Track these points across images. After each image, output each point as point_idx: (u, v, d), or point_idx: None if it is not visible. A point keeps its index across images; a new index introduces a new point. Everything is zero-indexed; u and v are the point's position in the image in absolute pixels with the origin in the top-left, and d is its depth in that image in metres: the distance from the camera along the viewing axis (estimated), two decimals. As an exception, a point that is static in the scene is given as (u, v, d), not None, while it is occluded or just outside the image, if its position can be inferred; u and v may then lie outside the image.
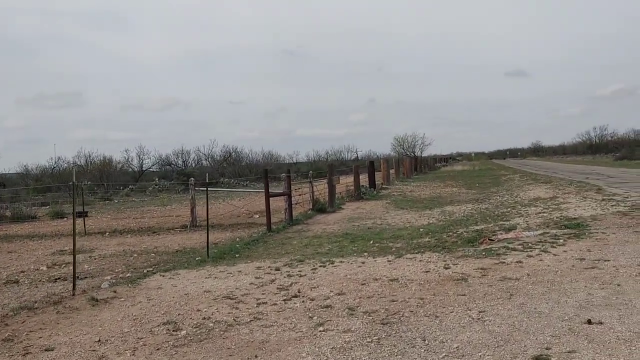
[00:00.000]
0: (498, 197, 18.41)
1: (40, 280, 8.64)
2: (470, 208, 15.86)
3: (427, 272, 7.10)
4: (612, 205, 12.09)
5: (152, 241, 12.90)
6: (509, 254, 7.63)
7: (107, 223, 17.71)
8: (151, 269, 9.02)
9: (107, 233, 15.04)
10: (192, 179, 15.49)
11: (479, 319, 4.99)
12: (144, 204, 22.45)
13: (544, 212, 12.04)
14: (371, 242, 10.62)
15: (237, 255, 10.06)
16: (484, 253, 7.90)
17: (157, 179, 39.89)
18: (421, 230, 11.77)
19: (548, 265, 6.77)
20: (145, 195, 30.49)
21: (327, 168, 18.68)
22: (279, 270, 8.00)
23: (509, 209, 14.03)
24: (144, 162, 56.13)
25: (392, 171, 34.63)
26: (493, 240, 9.10)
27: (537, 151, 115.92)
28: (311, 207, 17.03)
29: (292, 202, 14.72)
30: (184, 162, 62.77)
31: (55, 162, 51.67)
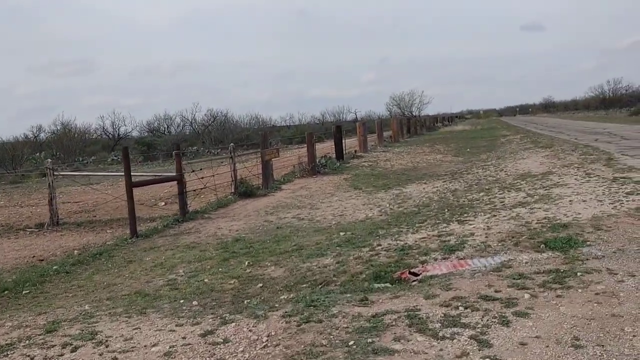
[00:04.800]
0: (480, 171, 14.39)
1: None
2: (435, 189, 11.91)
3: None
4: (627, 194, 8.05)
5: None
6: (406, 340, 3.68)
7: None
8: None
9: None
10: (49, 160, 11.53)
11: None
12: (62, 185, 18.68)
13: (523, 206, 8.03)
14: (246, 263, 6.80)
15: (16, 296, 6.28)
16: (370, 323, 3.99)
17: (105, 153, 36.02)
18: (340, 235, 7.91)
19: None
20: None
21: (261, 137, 14.65)
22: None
23: (481, 195, 10.04)
24: (119, 129, 52.30)
25: (373, 136, 30.55)
26: (416, 275, 5.19)
27: (548, 107, 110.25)
28: (233, 190, 13.12)
29: (187, 189, 10.81)
30: (167, 128, 58.92)
31: (37, 131, 47.91)
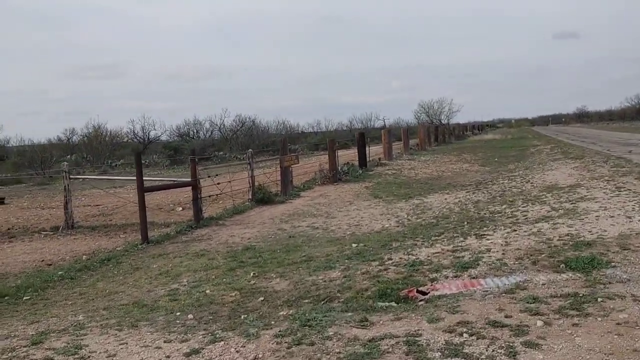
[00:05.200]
0: (506, 182, 13.90)
1: None
2: (457, 200, 11.51)
3: None
4: (659, 209, 7.56)
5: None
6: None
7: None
8: None
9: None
10: (65, 163, 11.50)
11: None
12: (83, 188, 18.78)
13: (546, 221, 7.60)
14: (251, 274, 6.56)
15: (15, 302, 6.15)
16: (365, 348, 3.69)
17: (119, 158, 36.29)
18: (352, 247, 7.62)
19: None
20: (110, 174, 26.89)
21: (280, 143, 14.44)
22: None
23: (503, 207, 9.61)
24: (149, 133, 52.86)
25: (399, 143, 30.13)
26: (424, 294, 4.86)
27: (582, 117, 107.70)
28: (251, 196, 12.92)
29: (201, 195, 10.64)
30: (196, 133, 59.31)
31: (70, 134, 48.74)
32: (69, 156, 38.71)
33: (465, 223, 8.56)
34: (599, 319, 3.81)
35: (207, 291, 6.01)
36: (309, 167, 20.12)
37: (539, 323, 3.79)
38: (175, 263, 7.65)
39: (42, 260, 8.40)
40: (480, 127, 77.02)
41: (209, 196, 11.77)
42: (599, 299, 4.17)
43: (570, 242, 6.03)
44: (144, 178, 9.49)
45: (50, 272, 7.56)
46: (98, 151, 36.74)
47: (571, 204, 8.91)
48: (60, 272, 7.36)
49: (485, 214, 9.27)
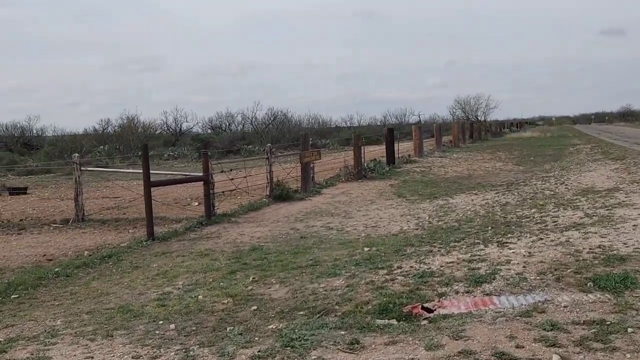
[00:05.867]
0: (539, 183, 13.13)
1: None
2: (485, 201, 10.84)
3: None
4: None
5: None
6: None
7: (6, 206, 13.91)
8: None
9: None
10: (76, 154, 11.24)
11: None
12: (101, 179, 18.70)
13: (577, 229, 6.92)
14: (251, 278, 6.12)
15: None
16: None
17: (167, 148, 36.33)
18: (364, 251, 7.11)
19: None
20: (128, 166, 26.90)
21: (301, 138, 13.96)
22: None
23: (533, 211, 8.94)
24: (182, 125, 53.12)
25: (431, 140, 29.32)
26: (429, 311, 4.32)
27: (626, 116, 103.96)
28: (268, 193, 12.50)
29: (214, 190, 10.26)
30: (228, 125, 59.40)
31: (105, 124, 49.40)
32: (102, 147, 39.08)
33: (489, 228, 7.94)
34: (628, 356, 3.21)
35: (200, 296, 5.59)
36: (336, 163, 19.61)
37: (555, 358, 3.21)
38: (176, 262, 7.27)
39: (44, 255, 8.14)
40: (518, 125, 75.01)
41: (222, 192, 11.37)
42: (629, 330, 3.56)
43: (602, 256, 5.38)
44: (152, 171, 9.16)
45: (48, 268, 7.26)
46: (129, 142, 36.90)
47: (607, 210, 8.18)
48: (56, 269, 7.06)
49: (512, 218, 8.62)
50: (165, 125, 51.23)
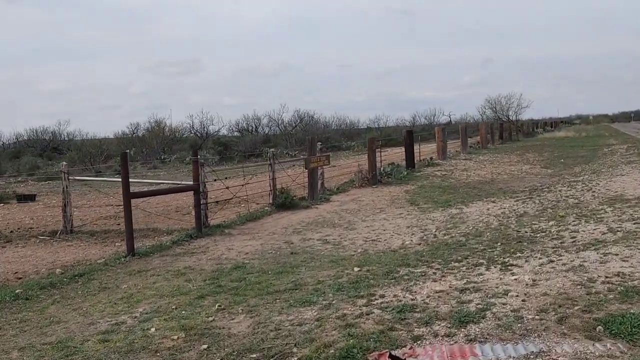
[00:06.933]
0: (564, 189, 12.11)
1: None
2: (501, 211, 9.93)
3: None
4: None
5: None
6: None
7: (6, 215, 13.56)
8: None
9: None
10: (64, 163, 10.72)
11: None
12: (108, 187, 18.30)
13: (595, 249, 6.00)
14: (216, 307, 5.42)
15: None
16: None
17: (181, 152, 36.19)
18: (353, 271, 6.35)
19: None
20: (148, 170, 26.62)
21: (307, 142, 13.22)
22: None
23: (551, 224, 8.02)
24: (208, 128, 52.96)
25: (458, 141, 28.24)
26: (395, 362, 3.54)
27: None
28: (271, 201, 11.81)
29: (207, 200, 9.60)
30: (254, 128, 59.12)
31: (135, 128, 49.67)
32: (128, 150, 39.14)
33: (499, 244, 7.08)
34: None
35: (153, 329, 4.92)
36: (354, 167, 18.81)
37: None
38: (147, 284, 6.64)
39: (15, 273, 7.61)
40: (552, 124, 72.65)
41: (216, 202, 10.73)
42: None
43: (619, 288, 4.49)
44: (141, 180, 8.56)
45: (11, 288, 6.72)
46: (152, 146, 36.82)
47: (634, 223, 7.22)
48: (17, 291, 6.50)
49: (526, 232, 7.72)
50: (192, 129, 51.15)
